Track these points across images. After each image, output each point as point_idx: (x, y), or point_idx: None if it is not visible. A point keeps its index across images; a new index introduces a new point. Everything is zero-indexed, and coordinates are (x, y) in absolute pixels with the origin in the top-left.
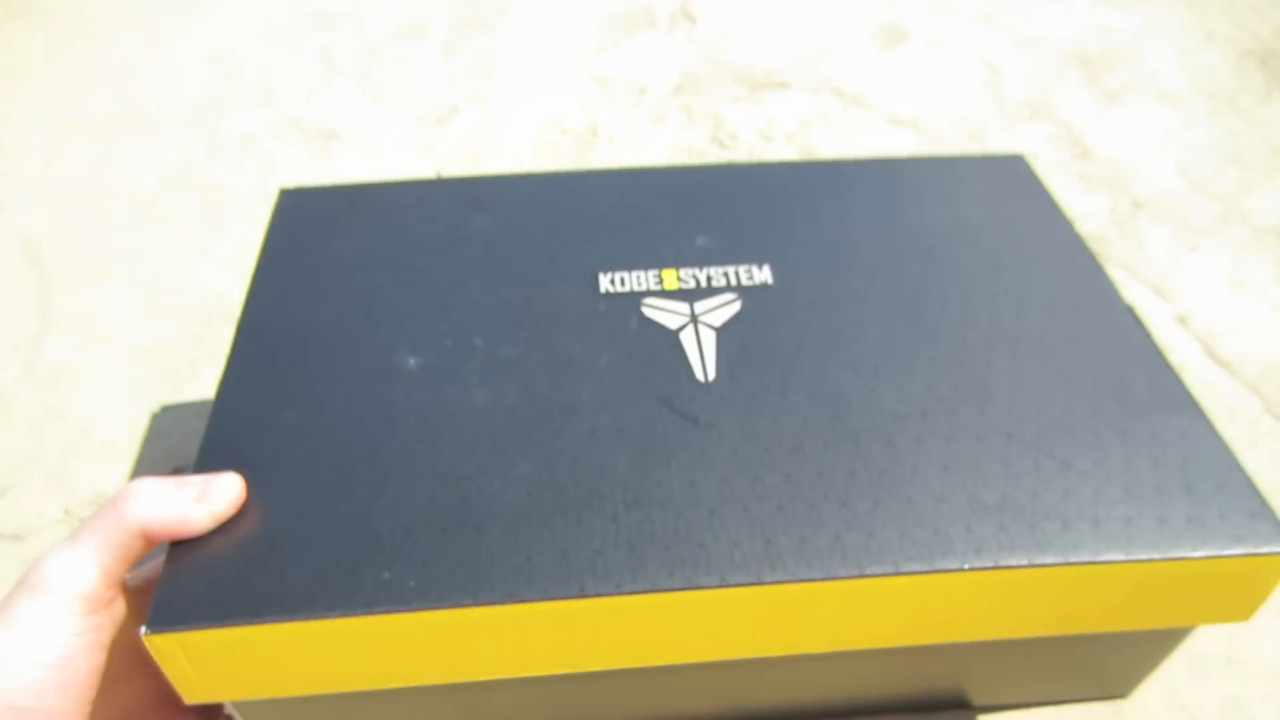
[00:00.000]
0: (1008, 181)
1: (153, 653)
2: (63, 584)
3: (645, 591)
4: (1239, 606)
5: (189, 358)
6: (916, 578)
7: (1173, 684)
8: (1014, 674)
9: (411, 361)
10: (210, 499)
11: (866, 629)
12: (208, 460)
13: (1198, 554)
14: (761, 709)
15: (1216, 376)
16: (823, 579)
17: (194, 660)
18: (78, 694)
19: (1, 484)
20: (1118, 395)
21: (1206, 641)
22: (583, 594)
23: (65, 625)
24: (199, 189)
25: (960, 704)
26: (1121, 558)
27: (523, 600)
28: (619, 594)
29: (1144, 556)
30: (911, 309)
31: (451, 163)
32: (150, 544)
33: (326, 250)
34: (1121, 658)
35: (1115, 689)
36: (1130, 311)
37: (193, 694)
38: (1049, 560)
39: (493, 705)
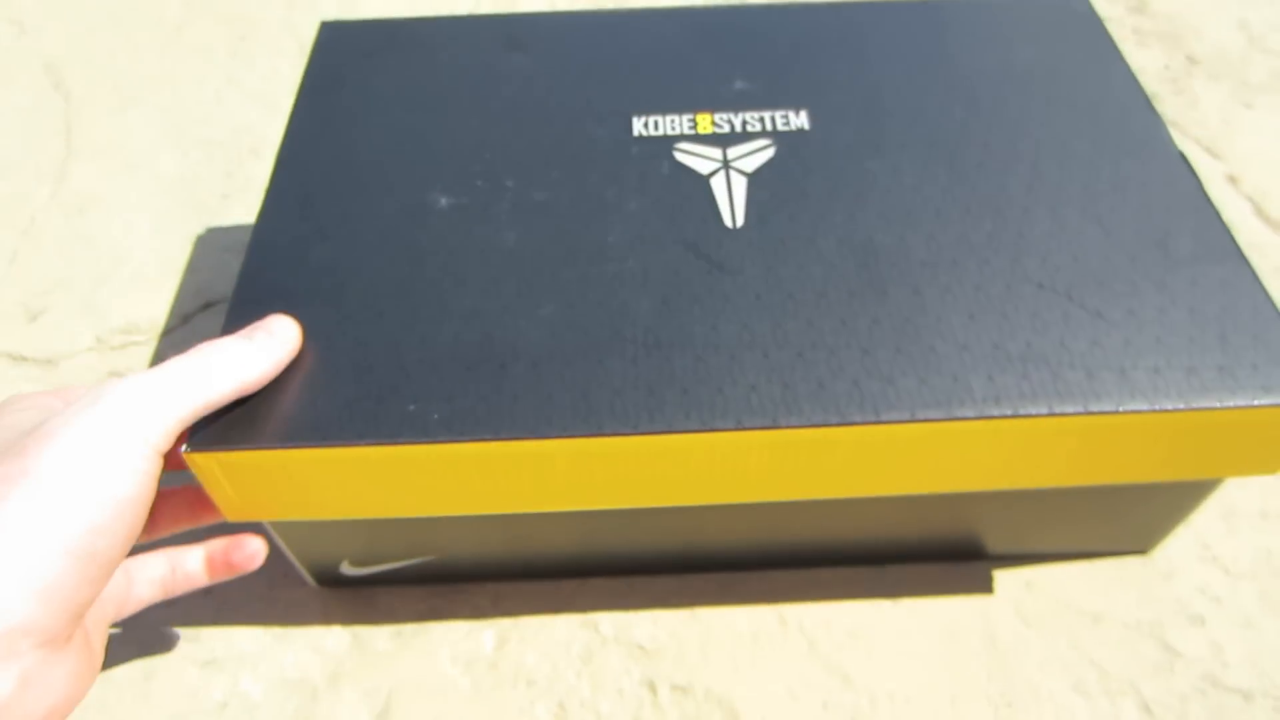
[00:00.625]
0: (1064, 23)
1: (194, 470)
2: (142, 420)
3: (662, 432)
4: (1268, 459)
5: (218, 192)
6: (933, 425)
7: (1205, 536)
8: (1033, 523)
9: (443, 201)
10: (279, 335)
11: (882, 476)
12: (245, 291)
13: (1224, 404)
14: (776, 552)
15: (1265, 237)
16: (838, 424)
17: (232, 480)
18: (129, 544)
19: (34, 308)
20: (1159, 245)
21: (1240, 495)
22: (600, 433)
23: (136, 463)
24: (225, 19)
25: (977, 553)
26: (1145, 407)
27: (542, 437)
28: (636, 434)
29: (1168, 406)
30: (951, 156)
31: (485, 2)
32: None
33: (365, 86)
34: (1144, 511)
35: (1137, 543)
36: (1182, 159)
37: (234, 513)
38: (1069, 409)
39: (513, 537)
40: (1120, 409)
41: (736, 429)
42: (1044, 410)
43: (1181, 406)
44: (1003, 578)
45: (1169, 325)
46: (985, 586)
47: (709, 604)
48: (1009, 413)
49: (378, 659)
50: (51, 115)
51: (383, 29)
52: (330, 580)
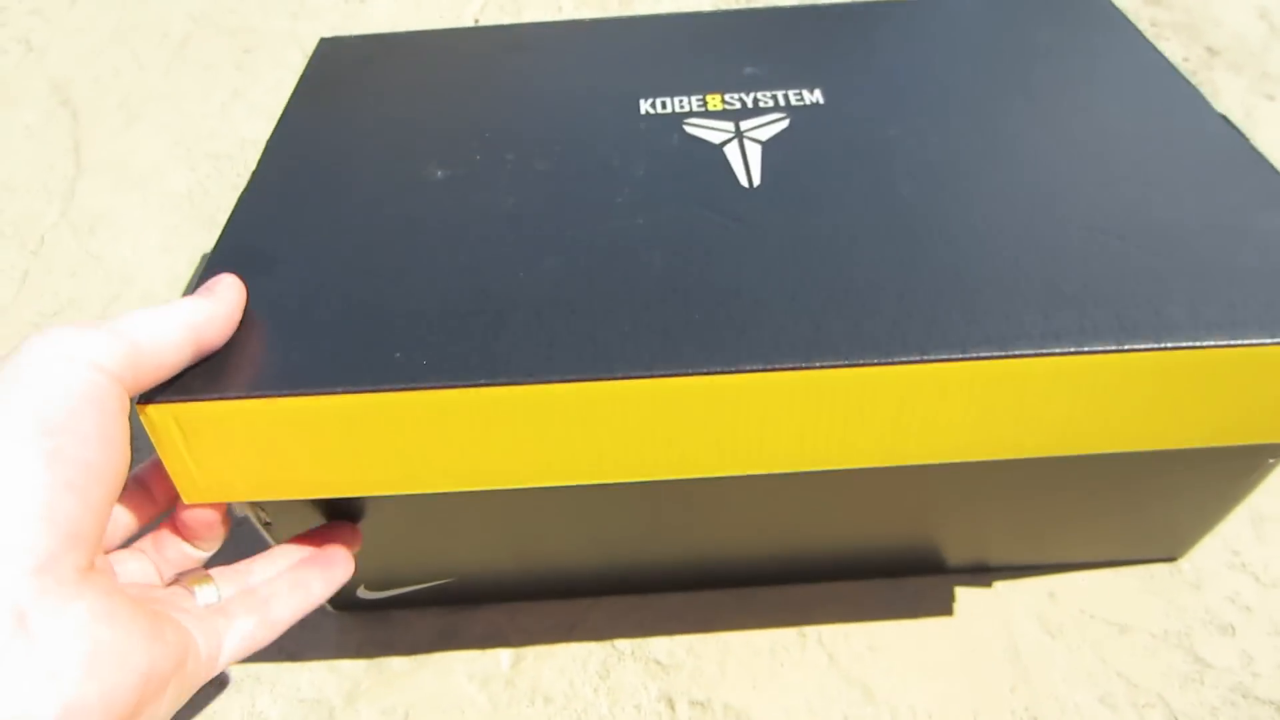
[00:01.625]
0: (1079, 8)
1: (149, 432)
2: (78, 337)
3: (679, 374)
4: None
5: (226, 207)
6: (987, 363)
7: (1234, 544)
8: (1060, 528)
9: (439, 173)
10: (220, 292)
11: (928, 436)
12: (227, 246)
13: None
14: (795, 566)
15: None
16: (879, 363)
17: (190, 444)
18: (104, 452)
19: (45, 328)
20: (1213, 197)
21: (1270, 502)
22: (610, 375)
23: (81, 370)
24: (230, 33)
25: (1003, 563)
26: (1225, 342)
27: (544, 381)
28: (650, 376)
29: (1250, 341)
30: (976, 122)
31: (490, 10)
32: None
33: (361, 85)
34: (1178, 515)
35: (1169, 549)
36: (1225, 120)
37: (194, 492)
38: (1141, 345)
39: (529, 554)
40: (1198, 344)
41: (765, 370)
42: (1111, 346)
43: (1268, 340)
44: (1025, 588)
45: (1237, 268)
46: (1007, 597)
47: (726, 619)
48: (1071, 349)
49: (394, 678)
50: (59, 133)
51: (382, 42)
52: (347, 605)
